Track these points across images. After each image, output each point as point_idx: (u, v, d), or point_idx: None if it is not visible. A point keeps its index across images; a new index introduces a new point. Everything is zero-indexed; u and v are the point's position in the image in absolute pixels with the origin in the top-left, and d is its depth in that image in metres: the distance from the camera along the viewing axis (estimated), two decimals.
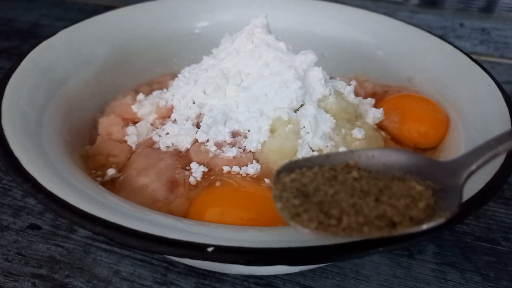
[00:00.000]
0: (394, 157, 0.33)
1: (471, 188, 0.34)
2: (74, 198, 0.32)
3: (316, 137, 0.46)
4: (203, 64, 0.54)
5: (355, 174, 0.31)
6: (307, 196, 0.29)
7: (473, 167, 0.31)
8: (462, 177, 0.31)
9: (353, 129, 0.49)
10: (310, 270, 0.46)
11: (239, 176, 0.43)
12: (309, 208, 0.28)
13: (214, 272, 0.45)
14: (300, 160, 0.33)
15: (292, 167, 0.32)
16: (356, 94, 0.55)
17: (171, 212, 0.41)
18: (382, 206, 0.28)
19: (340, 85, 0.53)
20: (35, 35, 0.93)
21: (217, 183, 0.42)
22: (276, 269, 0.43)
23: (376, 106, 0.55)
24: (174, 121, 0.50)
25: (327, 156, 0.33)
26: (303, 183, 0.31)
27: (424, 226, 0.28)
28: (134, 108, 0.54)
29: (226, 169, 0.44)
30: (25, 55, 0.48)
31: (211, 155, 0.45)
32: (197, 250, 0.29)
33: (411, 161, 0.32)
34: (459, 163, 0.32)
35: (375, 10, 0.68)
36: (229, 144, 0.46)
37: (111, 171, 0.46)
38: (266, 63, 0.49)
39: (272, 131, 0.47)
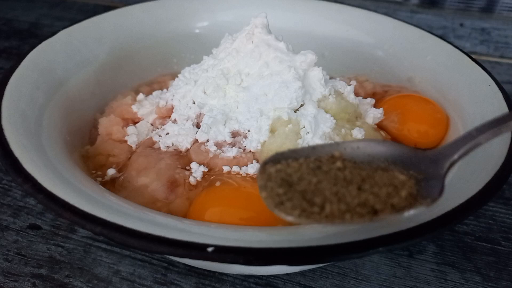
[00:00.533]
0: (379, 148, 0.33)
1: (471, 188, 0.34)
2: (74, 198, 0.32)
3: (316, 137, 0.45)
4: (203, 64, 0.54)
5: (339, 164, 0.32)
6: (291, 185, 0.30)
7: (455, 156, 0.32)
8: (444, 167, 0.31)
9: (353, 129, 0.49)
10: (310, 270, 0.46)
11: (239, 176, 0.43)
12: (292, 197, 0.29)
13: (214, 272, 0.45)
14: (286, 151, 0.34)
15: (278, 158, 0.33)
16: (356, 94, 0.55)
17: (171, 212, 0.41)
18: (364, 195, 0.29)
19: (340, 85, 0.53)
20: (35, 35, 0.93)
21: (217, 183, 0.42)
22: (276, 269, 0.43)
23: (376, 106, 0.55)
24: (174, 121, 0.50)
25: (313, 148, 0.34)
26: (287, 173, 0.31)
27: (406, 214, 0.28)
28: (134, 108, 0.54)
29: (226, 169, 0.44)
30: (25, 55, 0.48)
31: (211, 155, 0.45)
32: (197, 250, 0.29)
33: (395, 151, 0.33)
34: (441, 153, 0.33)
35: (375, 10, 0.68)
36: (229, 144, 0.46)
37: (111, 171, 0.46)
38: (266, 63, 0.49)
39: (272, 131, 0.46)
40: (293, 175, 0.31)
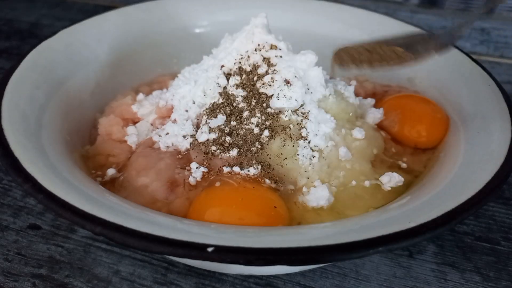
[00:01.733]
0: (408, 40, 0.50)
1: (471, 188, 0.34)
2: (74, 198, 0.32)
3: (316, 137, 0.45)
4: (203, 64, 0.54)
5: (384, 48, 0.49)
6: (349, 56, 0.48)
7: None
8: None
9: (353, 129, 0.49)
10: (310, 270, 0.46)
11: (239, 176, 0.43)
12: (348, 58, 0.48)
13: (214, 272, 0.45)
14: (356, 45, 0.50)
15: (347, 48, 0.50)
16: (356, 94, 0.55)
17: (171, 212, 0.41)
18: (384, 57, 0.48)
19: (340, 85, 0.53)
20: (35, 35, 0.93)
21: (217, 183, 0.42)
22: (276, 269, 0.43)
23: (376, 106, 0.55)
24: (174, 121, 0.50)
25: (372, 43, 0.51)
26: (350, 50, 0.49)
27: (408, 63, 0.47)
28: (134, 108, 0.54)
29: (226, 169, 0.44)
30: (25, 55, 0.48)
31: (211, 156, 0.45)
32: (197, 250, 0.29)
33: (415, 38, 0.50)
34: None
35: (375, 10, 0.68)
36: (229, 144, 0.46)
37: (111, 171, 0.46)
38: None
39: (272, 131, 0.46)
40: (351, 51, 0.48)
